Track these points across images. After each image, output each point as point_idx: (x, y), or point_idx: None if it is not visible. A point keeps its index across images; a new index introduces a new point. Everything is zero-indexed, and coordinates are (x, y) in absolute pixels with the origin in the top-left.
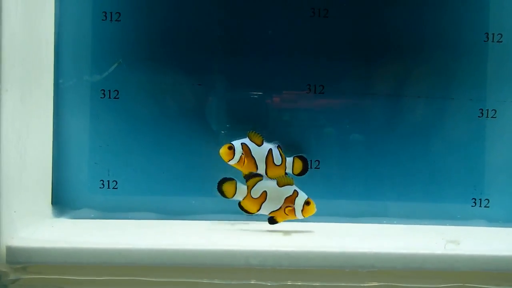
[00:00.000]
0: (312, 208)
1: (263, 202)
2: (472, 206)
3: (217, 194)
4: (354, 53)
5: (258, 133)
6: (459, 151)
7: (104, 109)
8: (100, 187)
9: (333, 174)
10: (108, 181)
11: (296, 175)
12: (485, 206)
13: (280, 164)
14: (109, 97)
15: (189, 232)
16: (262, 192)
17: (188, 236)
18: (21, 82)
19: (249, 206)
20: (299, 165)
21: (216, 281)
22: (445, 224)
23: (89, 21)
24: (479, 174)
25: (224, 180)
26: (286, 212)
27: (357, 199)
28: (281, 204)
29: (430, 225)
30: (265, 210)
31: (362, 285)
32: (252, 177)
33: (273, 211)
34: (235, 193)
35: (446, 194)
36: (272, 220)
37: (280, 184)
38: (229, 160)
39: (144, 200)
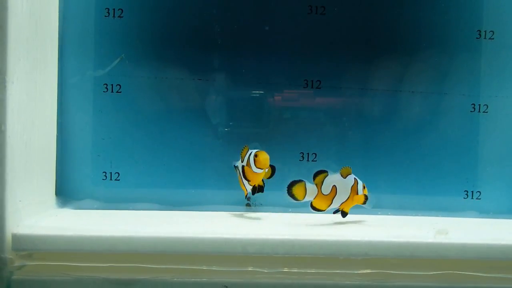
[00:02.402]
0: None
1: (334, 196)
2: (464, 198)
3: (286, 197)
4: (350, 49)
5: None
6: (452, 145)
7: (107, 103)
8: (102, 179)
9: (329, 167)
10: (111, 173)
11: None
12: (476, 198)
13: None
14: (112, 91)
15: (189, 221)
16: (332, 187)
17: (188, 225)
18: (27, 76)
19: (320, 204)
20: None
21: (215, 268)
22: (438, 216)
23: (92, 17)
24: (471, 167)
25: (293, 183)
26: (354, 200)
27: None
28: (349, 194)
29: (424, 216)
30: (336, 204)
31: (355, 272)
32: (318, 174)
33: (342, 202)
34: (306, 194)
35: (439, 187)
36: (344, 213)
37: (344, 175)
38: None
39: (146, 191)
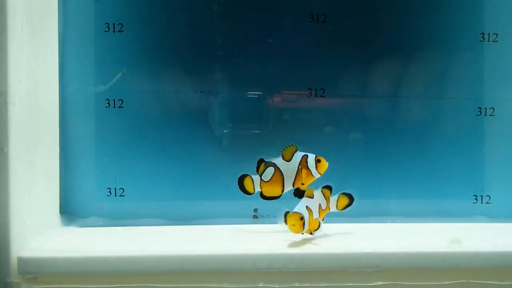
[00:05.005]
0: (325, 164)
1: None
2: (473, 202)
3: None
4: (353, 56)
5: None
6: (459, 149)
7: (110, 118)
8: (107, 195)
9: (333, 175)
10: (115, 188)
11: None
12: (486, 203)
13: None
14: (114, 106)
15: (196, 237)
16: (275, 172)
17: (196, 242)
18: (28, 96)
19: (271, 191)
20: (344, 201)
21: (225, 285)
22: (447, 221)
23: (92, 32)
24: (479, 171)
25: (242, 177)
26: (303, 177)
27: (359, 199)
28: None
29: (433, 223)
30: (288, 186)
31: (367, 284)
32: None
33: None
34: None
35: (447, 192)
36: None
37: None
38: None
39: (151, 206)
